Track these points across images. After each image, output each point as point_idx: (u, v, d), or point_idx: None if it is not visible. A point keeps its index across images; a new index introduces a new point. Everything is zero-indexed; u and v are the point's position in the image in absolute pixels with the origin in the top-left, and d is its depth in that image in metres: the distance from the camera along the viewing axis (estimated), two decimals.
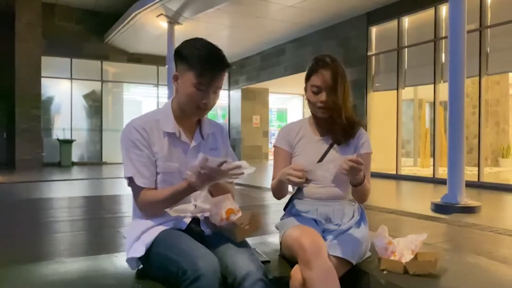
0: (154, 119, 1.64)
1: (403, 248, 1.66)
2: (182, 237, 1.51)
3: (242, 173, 1.48)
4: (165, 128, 1.63)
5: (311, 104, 1.84)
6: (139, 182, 1.58)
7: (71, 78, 14.68)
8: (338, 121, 1.82)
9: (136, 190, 1.60)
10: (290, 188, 1.84)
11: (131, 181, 1.60)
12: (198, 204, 1.57)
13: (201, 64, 1.54)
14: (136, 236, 1.58)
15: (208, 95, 1.59)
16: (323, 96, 1.79)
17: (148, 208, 1.60)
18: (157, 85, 16.01)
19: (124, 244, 1.69)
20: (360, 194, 1.79)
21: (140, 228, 1.60)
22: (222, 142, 1.78)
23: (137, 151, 1.58)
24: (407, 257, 1.63)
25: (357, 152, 1.86)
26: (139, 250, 1.53)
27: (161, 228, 1.56)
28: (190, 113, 1.64)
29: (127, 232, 1.67)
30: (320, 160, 1.84)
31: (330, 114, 1.83)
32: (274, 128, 18.52)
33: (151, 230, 1.56)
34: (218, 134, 1.77)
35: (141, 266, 1.58)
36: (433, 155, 9.61)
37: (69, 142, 13.92)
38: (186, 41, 1.62)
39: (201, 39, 1.61)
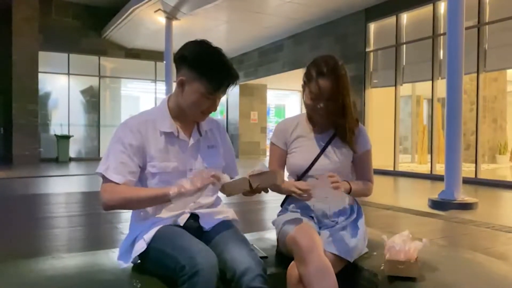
0: (151, 119, 1.62)
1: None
2: (180, 233, 1.51)
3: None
4: (162, 127, 1.61)
5: (308, 107, 1.82)
6: (112, 177, 1.52)
7: (68, 74, 14.61)
8: (339, 122, 1.81)
9: (106, 183, 1.53)
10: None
11: (103, 177, 1.54)
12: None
13: (217, 78, 1.53)
14: (136, 234, 1.58)
15: (215, 103, 1.60)
16: (321, 104, 1.76)
17: (114, 203, 1.52)
18: (155, 80, 15.96)
19: (121, 240, 1.68)
20: (357, 195, 1.82)
21: (140, 226, 1.60)
22: (220, 139, 1.77)
23: (121, 148, 1.55)
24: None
25: (356, 152, 1.86)
26: (140, 247, 1.53)
27: (160, 224, 1.56)
28: (192, 117, 1.63)
29: (129, 229, 1.66)
30: (318, 157, 1.84)
31: (327, 117, 1.81)
32: (272, 124, 18.50)
33: (151, 227, 1.56)
34: (216, 131, 1.76)
35: (138, 261, 1.58)
36: (431, 151, 9.63)
37: (66, 137, 13.88)
38: (193, 45, 1.57)
39: (207, 44, 1.57)
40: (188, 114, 1.62)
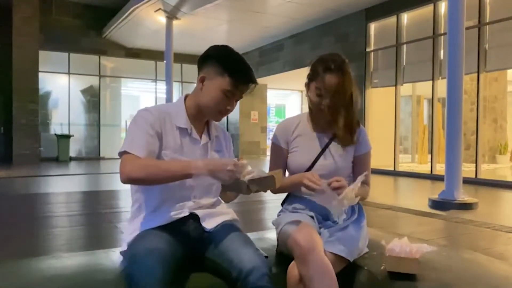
0: (168, 111, 1.65)
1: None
2: (148, 239, 1.49)
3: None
4: (177, 122, 1.63)
5: (314, 104, 1.81)
6: (134, 150, 1.49)
7: (68, 73, 14.62)
8: (340, 120, 1.81)
9: (126, 155, 1.50)
10: None
11: (124, 153, 1.51)
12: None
13: (240, 74, 1.59)
14: (132, 235, 1.59)
15: (232, 102, 1.63)
16: (327, 101, 1.76)
17: (136, 173, 1.46)
18: (155, 80, 15.96)
19: (121, 240, 1.69)
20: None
21: (134, 224, 1.60)
22: (226, 146, 1.80)
23: (143, 127, 1.54)
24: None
25: (357, 152, 1.86)
26: (123, 247, 1.56)
27: (153, 225, 1.55)
28: (209, 115, 1.67)
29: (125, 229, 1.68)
30: (318, 157, 1.84)
31: (331, 115, 1.80)
32: (272, 124, 18.52)
33: (141, 227, 1.57)
34: (222, 139, 1.80)
35: None
36: (431, 151, 9.63)
37: (66, 137, 13.88)
38: (217, 47, 1.66)
39: (231, 48, 1.66)
40: (205, 113, 1.65)
